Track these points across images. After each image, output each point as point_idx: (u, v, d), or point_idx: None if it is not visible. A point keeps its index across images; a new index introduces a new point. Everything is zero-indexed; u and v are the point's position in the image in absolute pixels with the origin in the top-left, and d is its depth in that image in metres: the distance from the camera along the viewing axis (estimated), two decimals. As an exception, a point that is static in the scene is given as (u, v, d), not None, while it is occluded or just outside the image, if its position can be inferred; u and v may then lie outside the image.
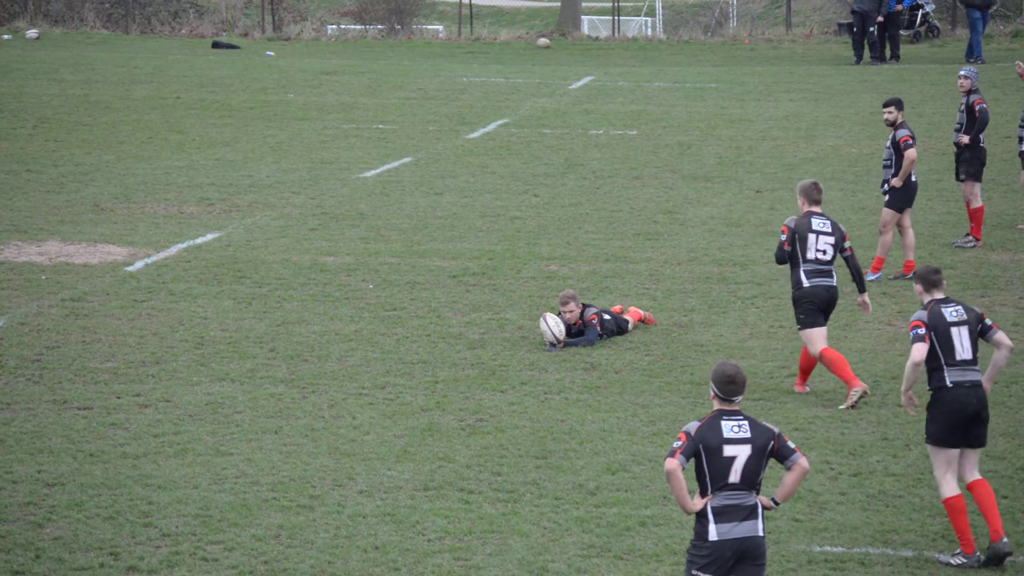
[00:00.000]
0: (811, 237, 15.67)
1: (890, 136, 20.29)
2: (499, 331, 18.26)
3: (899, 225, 20.38)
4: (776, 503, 10.21)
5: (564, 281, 20.37)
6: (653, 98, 36.37)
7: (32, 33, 47.14)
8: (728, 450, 9.93)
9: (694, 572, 10.03)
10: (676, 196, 26.04)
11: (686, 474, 10.13)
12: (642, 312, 18.76)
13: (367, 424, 15.13)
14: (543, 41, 47.53)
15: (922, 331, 12.20)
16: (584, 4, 53.91)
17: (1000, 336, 12.35)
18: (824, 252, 15.69)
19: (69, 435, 14.64)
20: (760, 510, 10.06)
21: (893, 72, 40.27)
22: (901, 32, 44.17)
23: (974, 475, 12.27)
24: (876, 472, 13.94)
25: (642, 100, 36.06)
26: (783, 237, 15.74)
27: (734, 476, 9.94)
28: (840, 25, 47.80)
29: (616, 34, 50.05)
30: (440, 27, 51.99)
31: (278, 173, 27.57)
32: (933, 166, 27.68)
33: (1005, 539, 12.13)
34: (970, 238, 22.27)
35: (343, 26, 51.29)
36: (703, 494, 10.04)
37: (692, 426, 10.06)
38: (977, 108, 22.09)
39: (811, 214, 15.81)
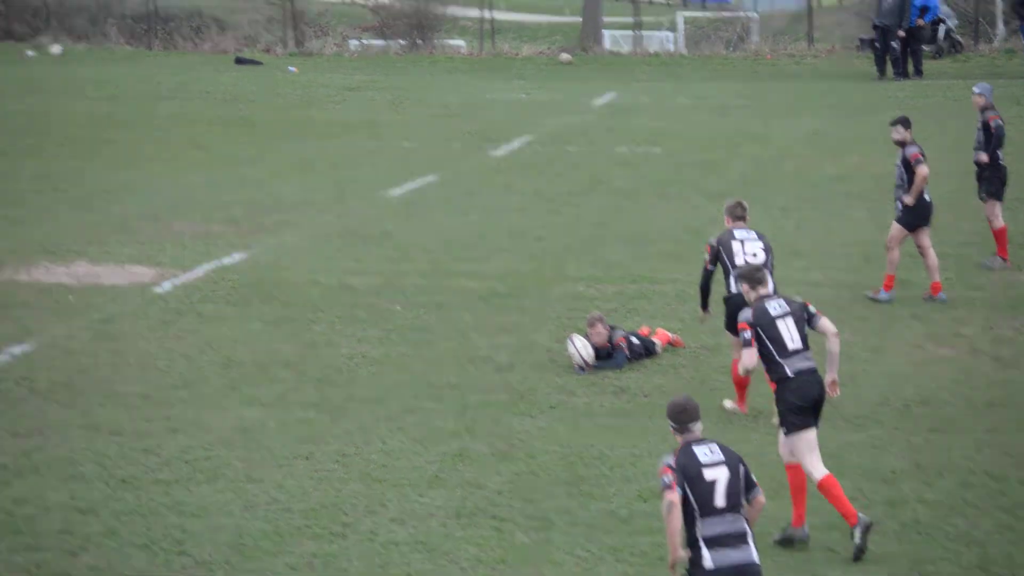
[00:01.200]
0: (735, 244, 15.85)
1: (899, 155, 20.22)
2: (527, 354, 18.26)
3: (919, 247, 20.29)
4: None
5: (591, 302, 20.36)
6: (676, 114, 36.38)
7: (56, 49, 47.30)
8: (708, 474, 9.98)
9: None
10: (701, 215, 26.01)
11: None
12: (670, 334, 18.75)
13: (397, 450, 15.13)
14: (565, 56, 47.56)
15: (748, 335, 12.66)
16: (605, 19, 53.94)
17: (824, 323, 12.81)
18: (755, 255, 15.83)
19: (101, 461, 14.66)
20: (751, 536, 10.00)
21: (916, 87, 40.23)
22: (923, 47, 44.11)
23: (792, 460, 12.76)
24: (909, 500, 13.90)
25: (665, 116, 36.07)
26: (706, 257, 16.03)
27: (719, 500, 9.96)
28: (862, 41, 47.75)
29: (638, 49, 50.06)
30: (462, 42, 52.05)
31: (303, 192, 27.61)
32: (960, 185, 27.59)
33: (806, 528, 12.62)
34: (997, 258, 22.18)
35: (365, 41, 51.37)
36: (691, 525, 9.95)
37: (669, 459, 10.07)
38: (992, 124, 21.95)
39: (733, 228, 16.03)
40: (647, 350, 18.29)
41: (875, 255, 22.82)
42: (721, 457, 10.05)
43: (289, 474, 14.44)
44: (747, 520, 10.08)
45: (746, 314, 12.81)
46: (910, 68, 42.82)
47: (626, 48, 51.06)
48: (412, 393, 16.81)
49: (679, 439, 10.20)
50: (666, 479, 9.95)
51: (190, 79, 41.41)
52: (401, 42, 49.91)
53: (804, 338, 12.74)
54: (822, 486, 12.60)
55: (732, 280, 15.80)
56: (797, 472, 12.74)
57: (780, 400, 12.72)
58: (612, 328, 18.18)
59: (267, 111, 36.32)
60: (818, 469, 12.63)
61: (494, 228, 24.86)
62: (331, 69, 45.21)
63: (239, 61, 46.10)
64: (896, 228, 20.14)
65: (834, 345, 12.90)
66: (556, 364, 17.88)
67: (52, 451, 14.89)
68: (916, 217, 20.03)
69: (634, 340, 18.21)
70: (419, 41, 49.67)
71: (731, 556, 9.88)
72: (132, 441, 15.20)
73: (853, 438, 15.53)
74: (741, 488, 10.01)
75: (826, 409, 16.36)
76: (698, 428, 10.19)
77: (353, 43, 50.93)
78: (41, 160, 30.16)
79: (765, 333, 12.69)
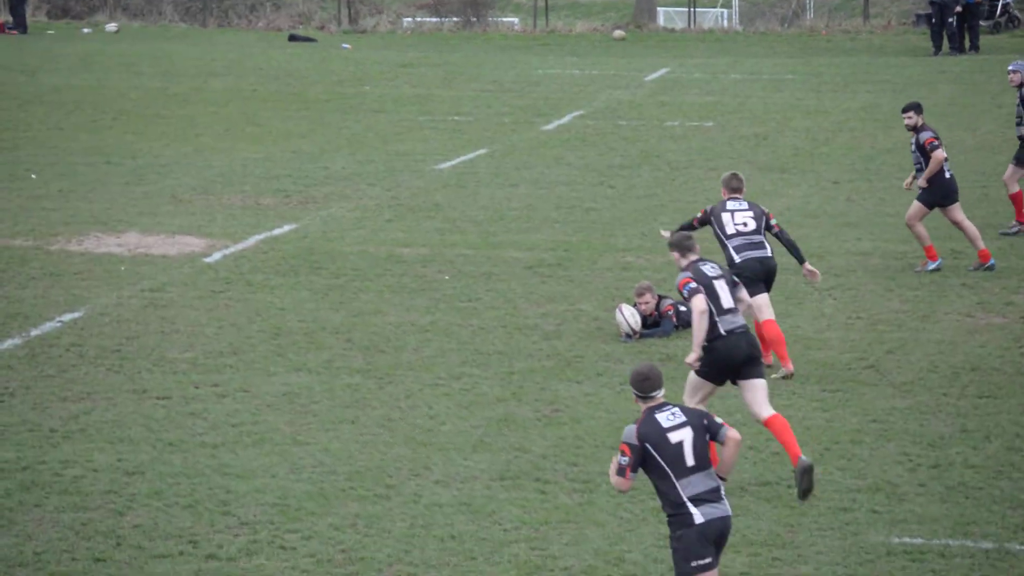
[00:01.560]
0: (725, 215, 16.20)
1: (913, 140, 20.24)
2: (575, 322, 18.25)
3: (954, 223, 20.35)
4: (723, 480, 10.34)
5: (640, 272, 20.33)
6: (729, 89, 36.24)
7: (111, 27, 47.57)
8: (673, 437, 10.15)
9: (693, 564, 10.05)
10: (752, 187, 25.81)
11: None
12: (718, 303, 18.67)
13: (443, 414, 15.16)
14: (619, 33, 47.45)
15: (694, 284, 13.20)
16: (660, -4, 53.74)
17: (743, 292, 13.45)
18: (745, 224, 16.16)
19: (149, 424, 14.75)
20: (723, 490, 10.21)
21: (972, 63, 39.92)
22: (980, 23, 43.77)
23: (768, 411, 13.14)
24: (955, 464, 13.83)
25: (718, 91, 35.94)
26: (697, 215, 16.40)
27: (690, 459, 10.13)
28: (918, 16, 47.43)
29: (692, 26, 49.88)
30: (515, 19, 52.01)
31: (354, 165, 27.67)
32: (1010, 156, 27.37)
33: (803, 457, 12.88)
34: (1015, 224, 22.31)
35: (418, 19, 51.42)
36: (666, 487, 10.10)
37: (631, 432, 10.19)
38: None
39: (727, 199, 16.33)
40: (695, 318, 18.21)
41: (926, 223, 22.65)
42: (684, 419, 10.21)
43: (335, 438, 14.49)
44: (724, 466, 10.31)
45: (685, 272, 13.32)
46: (966, 43, 42.49)
47: (680, 25, 50.90)
48: (459, 360, 16.84)
49: (642, 406, 10.32)
50: (623, 461, 10.16)
51: (244, 56, 41.56)
52: (454, 19, 49.91)
53: (735, 298, 13.29)
54: None
55: (730, 251, 16.11)
56: (774, 422, 13.04)
57: (708, 353, 13.17)
58: (660, 297, 18.16)
59: (320, 87, 36.42)
60: (694, 401, 13.22)
61: (543, 200, 24.85)
62: (384, 46, 45.27)
63: (293, 38, 46.22)
64: (916, 206, 20.26)
65: (743, 311, 13.46)
66: (603, 332, 17.86)
67: (100, 415, 15.00)
68: (937, 196, 20.15)
69: (682, 309, 18.16)
70: (472, 18, 49.65)
71: (715, 510, 10.12)
72: (179, 406, 15.29)
73: (900, 403, 15.45)
74: (707, 446, 10.17)
75: (873, 376, 16.35)
76: (660, 395, 10.33)
77: (407, 21, 50.98)
78: (95, 134, 30.35)
79: (705, 291, 13.17)
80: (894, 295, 19.39)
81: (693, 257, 13.41)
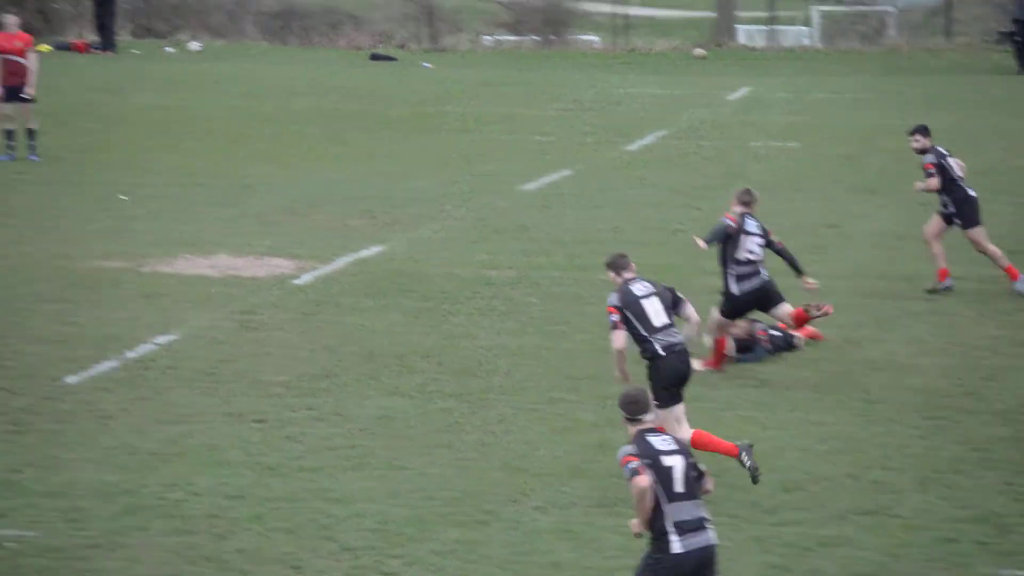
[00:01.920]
0: (746, 240, 16.77)
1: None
2: (667, 346, 18.16)
3: (930, 240, 20.18)
4: None
5: (730, 296, 20.21)
6: (812, 109, 36.11)
7: (195, 46, 47.98)
8: (666, 460, 10.11)
9: None
10: (839, 209, 25.80)
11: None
12: (810, 327, 18.59)
13: (538, 439, 15.14)
14: (699, 51, 47.40)
15: (616, 317, 13.56)
16: (739, 14, 53.64)
17: (689, 310, 13.78)
18: (752, 252, 16.79)
19: (246, 448, 14.82)
20: (709, 520, 10.15)
21: (1057, 81, 39.59)
22: (1065, 41, 43.41)
23: (688, 430, 13.61)
24: (1061, 494, 13.69)
25: (801, 111, 35.81)
26: (732, 225, 16.69)
27: (679, 486, 10.08)
28: (1001, 34, 47.09)
29: (772, 44, 49.74)
30: (596, 37, 52.06)
31: (439, 186, 27.75)
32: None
33: (739, 443, 13.32)
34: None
35: (498, 37, 51.56)
36: (657, 514, 10.04)
37: (628, 448, 10.19)
38: None
39: (746, 216, 16.84)
40: (788, 343, 18.15)
41: (1018, 249, 22.44)
42: (676, 446, 10.18)
43: (431, 463, 14.50)
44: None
45: (612, 298, 13.63)
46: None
47: (760, 43, 50.76)
48: (550, 384, 16.82)
49: (631, 429, 10.33)
50: (633, 465, 10.07)
51: (326, 74, 41.80)
52: (535, 38, 50.01)
53: (670, 315, 13.64)
54: (695, 442, 13.33)
55: (731, 278, 16.75)
56: (698, 439, 13.39)
57: (653, 377, 13.54)
58: (752, 322, 18.08)
59: (402, 106, 36.58)
60: (685, 431, 13.43)
61: (629, 222, 24.82)
62: (465, 65, 45.41)
63: (374, 57, 46.47)
64: (973, 232, 20.04)
65: (691, 331, 13.89)
66: (696, 357, 17.76)
67: (198, 438, 15.08)
68: (973, 212, 20.18)
69: (774, 333, 18.08)
70: (552, 37, 49.73)
71: (695, 540, 10.04)
72: (275, 429, 15.35)
73: (1002, 432, 15.30)
74: (696, 478, 10.14)
75: (972, 403, 16.22)
76: (649, 419, 10.32)
77: (487, 39, 51.13)
78: (181, 155, 30.59)
79: (632, 312, 13.53)
80: (988, 320, 19.23)
81: (628, 275, 13.63)
